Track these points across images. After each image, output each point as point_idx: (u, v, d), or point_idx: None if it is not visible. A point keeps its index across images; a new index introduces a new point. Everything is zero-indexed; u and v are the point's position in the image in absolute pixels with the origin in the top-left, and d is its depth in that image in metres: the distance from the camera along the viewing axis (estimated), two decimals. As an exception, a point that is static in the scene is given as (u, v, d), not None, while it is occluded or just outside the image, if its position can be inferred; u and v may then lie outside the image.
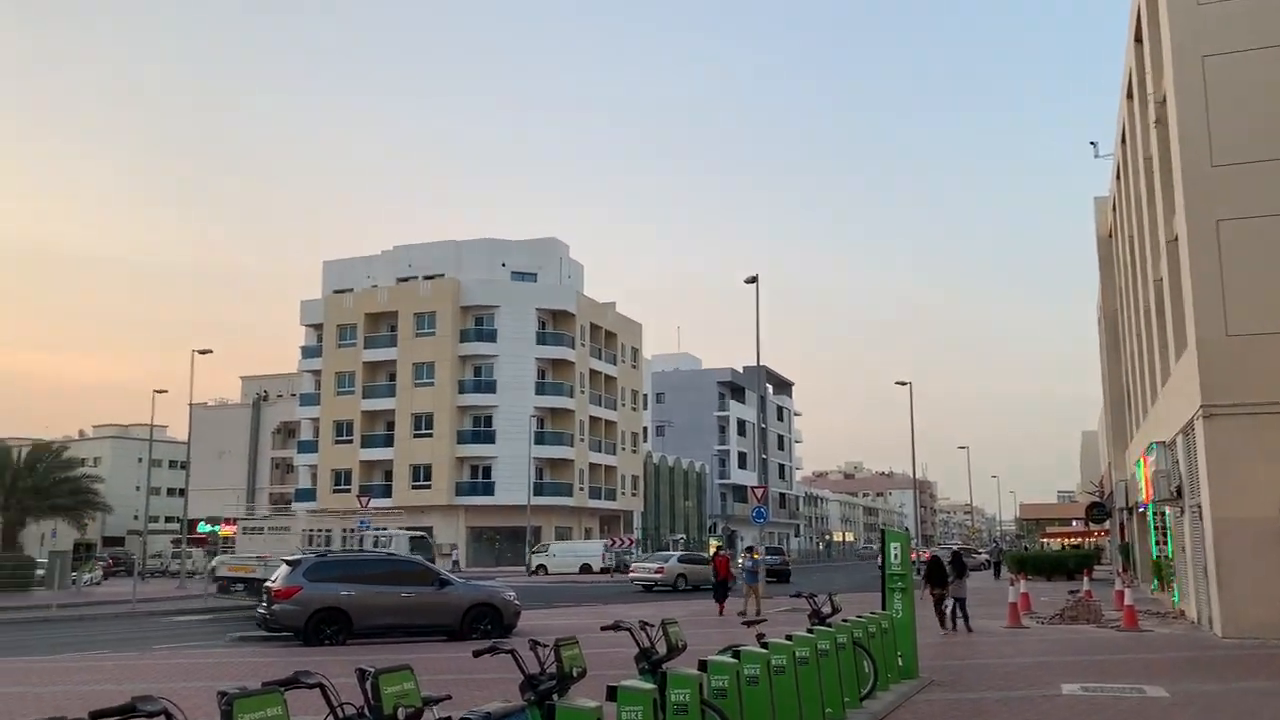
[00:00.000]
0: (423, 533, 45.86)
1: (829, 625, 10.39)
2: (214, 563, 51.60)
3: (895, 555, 13.52)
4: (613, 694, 6.03)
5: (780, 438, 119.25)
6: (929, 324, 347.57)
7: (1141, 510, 34.06)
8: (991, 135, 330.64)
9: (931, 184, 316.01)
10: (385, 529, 43.36)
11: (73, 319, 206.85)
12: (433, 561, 43.27)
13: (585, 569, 58.71)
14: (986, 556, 67.99)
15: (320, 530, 39.69)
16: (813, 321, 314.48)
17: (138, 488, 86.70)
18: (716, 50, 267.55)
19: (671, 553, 48.29)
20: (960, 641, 18.52)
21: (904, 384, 59.89)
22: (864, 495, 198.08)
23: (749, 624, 9.26)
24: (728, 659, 7.53)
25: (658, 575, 40.89)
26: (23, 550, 51.83)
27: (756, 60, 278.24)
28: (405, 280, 75.38)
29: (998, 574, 52.02)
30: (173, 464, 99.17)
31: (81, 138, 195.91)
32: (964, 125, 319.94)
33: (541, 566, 58.43)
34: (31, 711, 11.22)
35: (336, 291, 77.08)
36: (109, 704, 3.53)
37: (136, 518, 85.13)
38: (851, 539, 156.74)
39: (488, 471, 70.17)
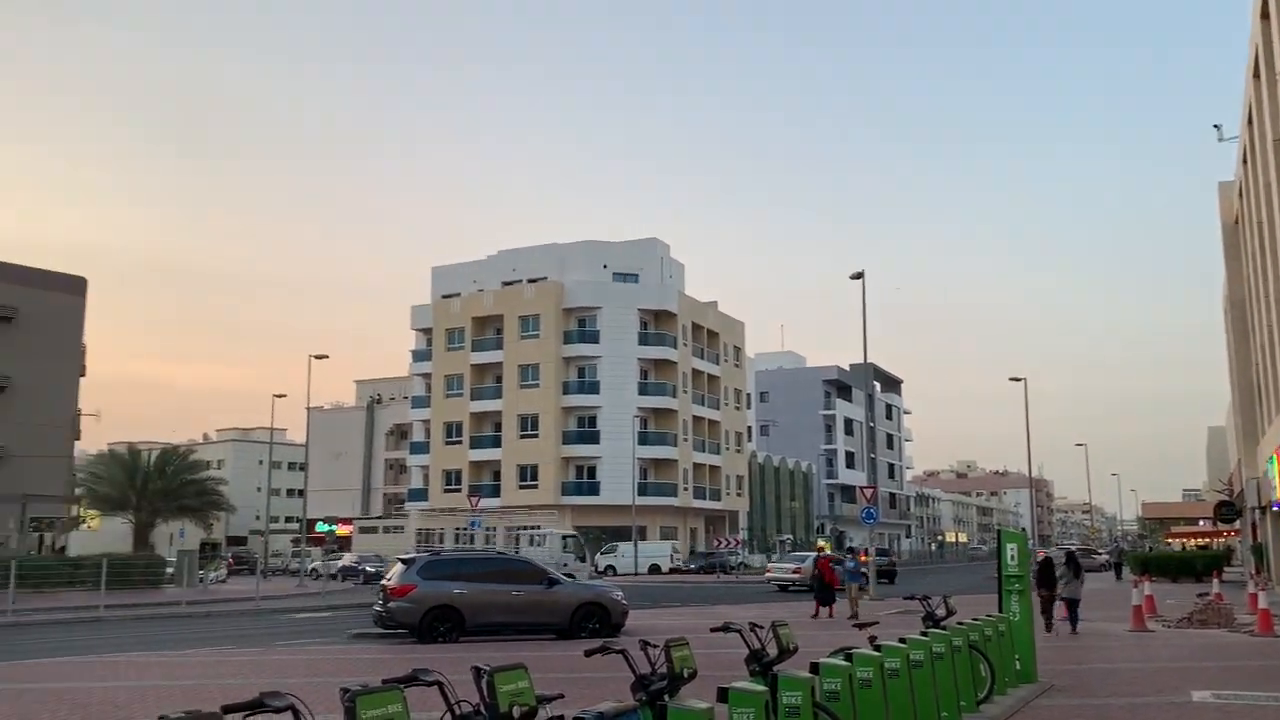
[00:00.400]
0: (575, 533, 46.98)
1: (943, 628, 10.17)
2: (344, 561, 54.94)
3: (1012, 556, 13.14)
4: (724, 695, 5.99)
5: (889, 436, 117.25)
6: (1043, 317, 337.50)
7: (1276, 509, 32.51)
8: (1104, 119, 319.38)
9: (1043, 173, 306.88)
10: (539, 528, 44.57)
11: (195, 329, 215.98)
12: (584, 560, 44.30)
13: (654, 569, 59.30)
14: (1107, 557, 65.73)
15: (435, 529, 41.23)
16: (922, 317, 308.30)
17: (259, 489, 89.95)
18: (816, 43, 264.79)
19: (808, 553, 48.42)
20: (1081, 645, 17.93)
21: (1018, 380, 58.28)
22: (977, 495, 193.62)
23: (860, 626, 9.13)
24: (840, 661, 7.42)
25: (795, 575, 40.80)
26: (153, 549, 54.44)
27: (856, 48, 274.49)
28: (510, 284, 76.51)
29: (1119, 575, 50.27)
30: (292, 466, 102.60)
31: (199, 151, 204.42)
32: (1074, 109, 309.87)
33: (610, 567, 58.97)
34: (165, 705, 11.73)
35: (445, 296, 78.69)
36: (238, 699, 3.65)
37: (258, 518, 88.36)
38: (965, 539, 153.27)
39: (592, 471, 70.73)
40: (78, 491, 55.47)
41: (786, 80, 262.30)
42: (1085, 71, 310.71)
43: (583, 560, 43.90)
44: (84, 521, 62.42)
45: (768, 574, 44.24)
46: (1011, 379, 59.92)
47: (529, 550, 41.00)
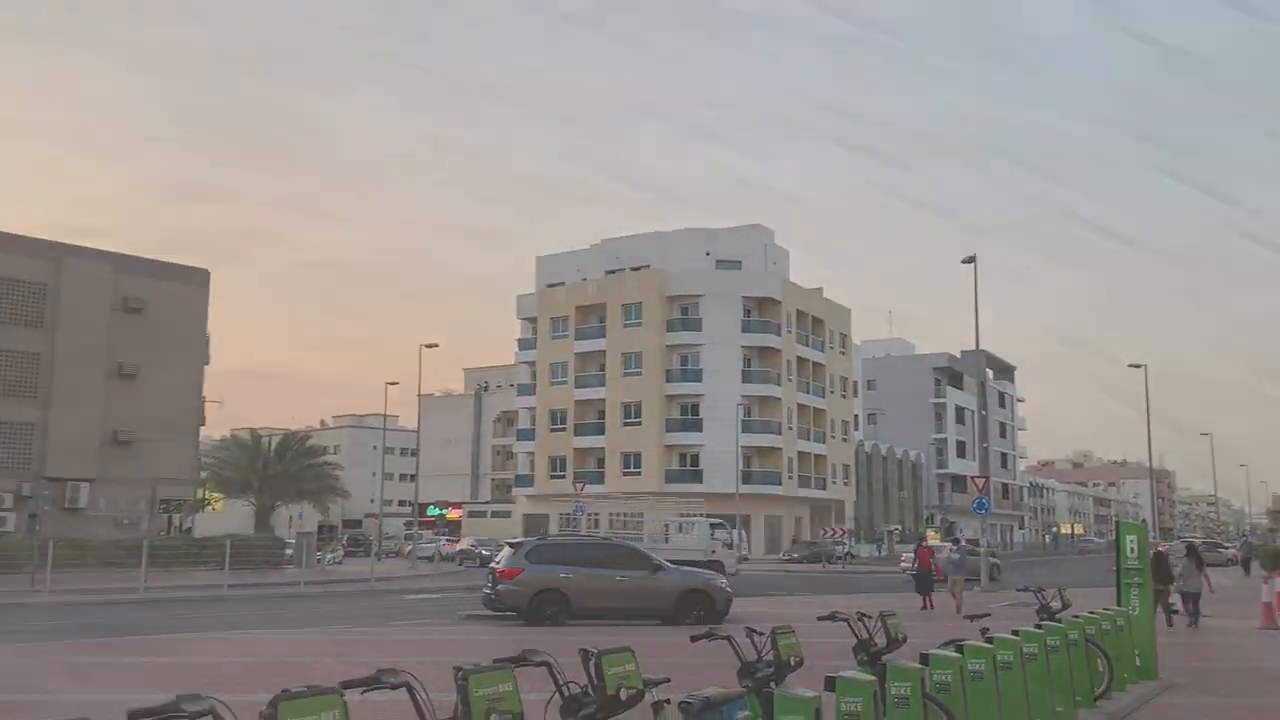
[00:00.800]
0: (721, 519, 47.09)
1: (1059, 621, 9.92)
2: (461, 545, 56.80)
3: (1131, 548, 12.71)
4: (831, 684, 5.95)
5: (1002, 425, 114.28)
6: (1166, 301, 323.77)
7: None
8: (1218, 102, 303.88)
9: (1168, 149, 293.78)
10: (641, 515, 44.64)
11: (313, 319, 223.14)
12: (730, 547, 44.26)
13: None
14: (1234, 551, 62.94)
15: (541, 514, 41.67)
16: (1037, 301, 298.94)
17: (373, 474, 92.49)
18: (909, 31, 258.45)
19: (939, 544, 47.91)
20: (1206, 642, 17.25)
21: (1138, 366, 56.12)
22: (1094, 485, 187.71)
23: (972, 618, 8.96)
24: (950, 653, 7.29)
25: None
26: (273, 531, 56.50)
27: (956, 30, 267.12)
28: (613, 272, 76.95)
29: (1247, 570, 48.12)
30: (404, 451, 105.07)
31: (313, 144, 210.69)
32: (1174, 88, 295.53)
33: None
34: (285, 680, 12.17)
35: (549, 286, 79.62)
36: (356, 675, 3.78)
37: (372, 501, 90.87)
38: (1080, 531, 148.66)
39: (695, 459, 70.75)
40: (203, 475, 57.83)
41: (882, 60, 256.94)
42: (1167, 47, 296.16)
43: (729, 547, 43.66)
44: (209, 504, 65.10)
45: (902, 564, 43.85)
46: (1131, 365, 57.61)
47: (678, 537, 41.08)
